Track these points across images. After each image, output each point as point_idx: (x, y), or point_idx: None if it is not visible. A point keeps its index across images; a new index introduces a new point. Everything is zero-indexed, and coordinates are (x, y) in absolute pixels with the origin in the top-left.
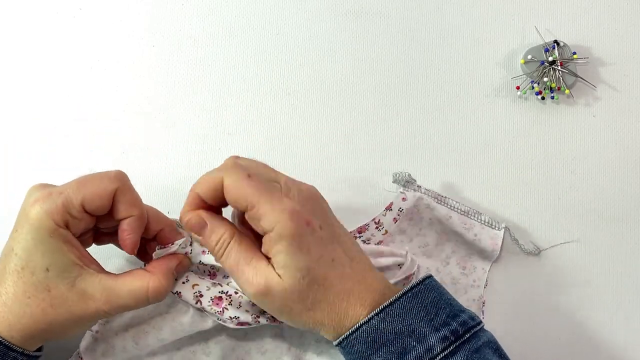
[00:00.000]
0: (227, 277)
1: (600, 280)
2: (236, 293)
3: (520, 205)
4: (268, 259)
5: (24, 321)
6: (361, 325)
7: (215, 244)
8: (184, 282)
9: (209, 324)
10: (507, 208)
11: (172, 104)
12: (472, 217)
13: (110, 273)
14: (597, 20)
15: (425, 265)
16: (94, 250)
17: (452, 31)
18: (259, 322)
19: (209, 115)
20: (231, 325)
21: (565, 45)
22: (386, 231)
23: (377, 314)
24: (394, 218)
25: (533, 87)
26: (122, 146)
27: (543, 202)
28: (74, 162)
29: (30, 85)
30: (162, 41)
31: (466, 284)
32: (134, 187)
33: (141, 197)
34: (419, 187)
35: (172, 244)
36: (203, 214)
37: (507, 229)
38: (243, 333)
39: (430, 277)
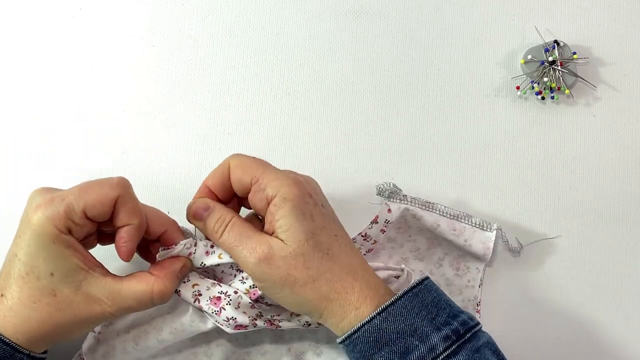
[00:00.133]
0: (232, 281)
1: (600, 280)
2: (235, 293)
3: (520, 205)
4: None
5: (31, 325)
6: (363, 325)
7: (216, 222)
8: (184, 282)
9: (208, 325)
10: (507, 208)
11: (172, 104)
12: (462, 221)
13: (116, 275)
14: (597, 20)
15: (418, 269)
16: (98, 250)
17: (452, 31)
18: (256, 324)
19: (209, 115)
20: (228, 330)
21: (565, 45)
22: (375, 241)
23: (379, 314)
24: (381, 229)
25: (533, 87)
26: (122, 146)
27: (543, 202)
28: (74, 162)
29: (30, 85)
30: (162, 41)
31: (460, 285)
32: (135, 186)
33: (141, 197)
34: (405, 196)
35: (176, 245)
36: (207, 199)
37: (499, 229)
38: (243, 335)
39: (428, 278)
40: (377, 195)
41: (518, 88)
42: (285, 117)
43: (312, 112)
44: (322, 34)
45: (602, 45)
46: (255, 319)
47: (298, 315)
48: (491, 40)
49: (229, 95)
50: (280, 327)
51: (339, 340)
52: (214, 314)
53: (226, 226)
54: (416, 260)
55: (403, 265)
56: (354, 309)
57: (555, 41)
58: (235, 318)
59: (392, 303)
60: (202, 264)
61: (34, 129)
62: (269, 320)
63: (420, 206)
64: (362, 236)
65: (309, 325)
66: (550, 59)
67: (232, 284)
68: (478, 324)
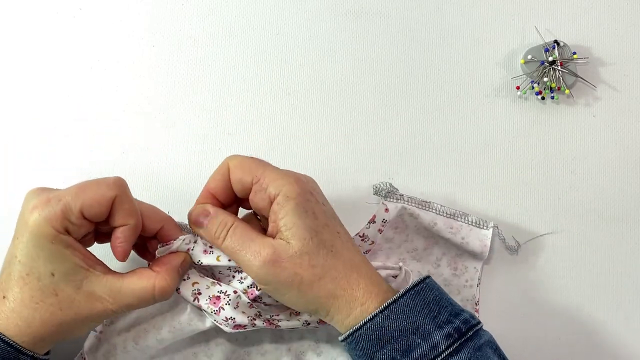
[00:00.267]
0: (230, 281)
1: (600, 280)
2: (235, 292)
3: (520, 205)
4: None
5: (34, 326)
6: (365, 323)
7: (217, 227)
8: (184, 279)
9: (207, 324)
10: (507, 208)
11: (172, 104)
12: (459, 219)
13: (117, 273)
14: (597, 20)
15: (416, 269)
16: (99, 249)
17: (452, 31)
18: (255, 324)
19: (209, 115)
20: (227, 329)
21: (565, 45)
22: (372, 242)
23: (381, 312)
24: (379, 229)
25: (533, 87)
26: (122, 146)
27: (543, 202)
28: (74, 162)
29: (30, 85)
30: (162, 41)
31: (459, 285)
32: (135, 186)
33: (141, 197)
34: (402, 195)
35: (175, 240)
36: (207, 205)
37: (495, 227)
38: (243, 335)
39: (429, 276)
40: (374, 195)
41: (518, 88)
42: (285, 117)
43: (312, 112)
44: (322, 34)
45: (602, 45)
46: (254, 319)
47: (297, 314)
48: (491, 40)
49: (229, 95)
50: (280, 326)
51: (341, 338)
52: (212, 313)
53: (228, 231)
54: (414, 261)
55: (401, 264)
56: (359, 305)
57: (555, 41)
58: (234, 318)
59: (394, 301)
60: (199, 262)
61: (34, 129)
62: (268, 320)
63: (417, 205)
64: (360, 236)
65: (308, 324)
66: (550, 59)
67: (231, 284)
68: (479, 322)
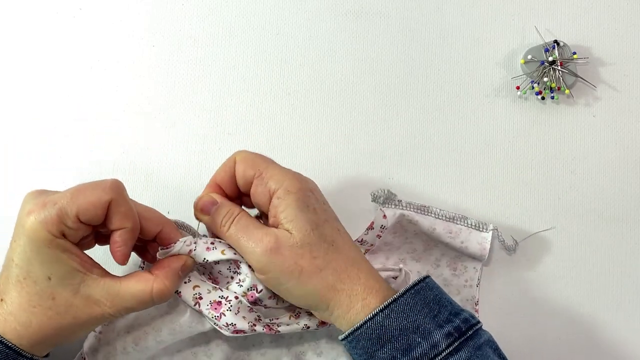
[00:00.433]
0: (229, 283)
1: (600, 280)
2: (236, 298)
3: (520, 205)
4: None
5: (32, 329)
6: (365, 322)
7: (223, 216)
8: (185, 282)
9: (206, 326)
10: (507, 208)
11: (172, 104)
12: (458, 223)
13: (114, 276)
14: (597, 20)
15: (415, 269)
16: (100, 251)
17: (452, 31)
18: (255, 330)
19: (209, 115)
20: (227, 333)
21: (565, 45)
22: (371, 245)
23: (381, 310)
24: (377, 234)
25: (533, 87)
26: (122, 146)
27: (543, 202)
28: (74, 162)
29: (30, 85)
30: (162, 41)
31: (458, 285)
32: (135, 186)
33: (141, 197)
34: (400, 201)
35: (175, 243)
36: (214, 194)
37: (495, 229)
38: (243, 336)
39: (429, 276)
40: (372, 202)
41: (518, 88)
42: (285, 117)
43: (312, 112)
44: (322, 34)
45: (602, 45)
46: (254, 325)
47: (297, 317)
48: (491, 40)
49: (229, 95)
50: (279, 331)
51: (341, 337)
52: (213, 319)
53: (233, 220)
54: (413, 261)
55: (401, 265)
56: (360, 299)
57: (555, 41)
58: (235, 324)
59: (395, 300)
60: (205, 260)
61: (34, 129)
62: (268, 325)
63: (415, 210)
64: (359, 242)
65: (308, 328)
66: (550, 59)
67: (230, 287)
68: (479, 322)
